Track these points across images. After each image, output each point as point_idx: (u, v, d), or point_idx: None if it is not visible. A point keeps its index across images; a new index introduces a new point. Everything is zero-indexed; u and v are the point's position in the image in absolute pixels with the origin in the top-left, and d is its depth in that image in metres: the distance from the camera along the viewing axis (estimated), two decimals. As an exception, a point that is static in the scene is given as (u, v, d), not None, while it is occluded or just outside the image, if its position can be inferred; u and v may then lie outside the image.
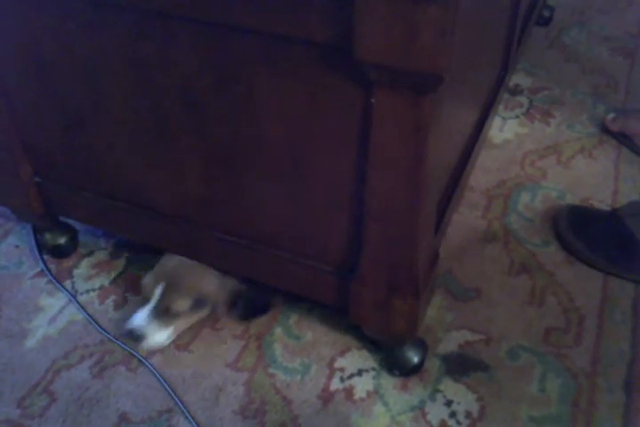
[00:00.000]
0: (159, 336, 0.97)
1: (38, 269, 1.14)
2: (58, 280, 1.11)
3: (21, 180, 1.01)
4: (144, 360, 0.98)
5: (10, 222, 1.23)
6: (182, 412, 0.92)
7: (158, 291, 0.96)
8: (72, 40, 0.79)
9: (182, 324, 0.99)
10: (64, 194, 1.02)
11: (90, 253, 1.17)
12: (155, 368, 0.97)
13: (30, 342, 1.02)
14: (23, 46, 0.84)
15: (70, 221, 1.14)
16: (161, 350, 1.00)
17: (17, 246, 1.18)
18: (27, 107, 0.92)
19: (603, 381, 0.97)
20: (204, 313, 1.00)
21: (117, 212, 0.98)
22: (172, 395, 0.94)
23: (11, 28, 0.83)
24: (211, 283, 0.99)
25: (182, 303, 0.96)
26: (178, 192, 0.91)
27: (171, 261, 1.00)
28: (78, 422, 0.92)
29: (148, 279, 0.99)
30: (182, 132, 0.82)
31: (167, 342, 0.99)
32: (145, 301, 0.98)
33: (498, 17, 1.14)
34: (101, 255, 1.16)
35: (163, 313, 0.96)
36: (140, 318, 0.96)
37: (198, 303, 0.98)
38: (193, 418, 0.92)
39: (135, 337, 0.96)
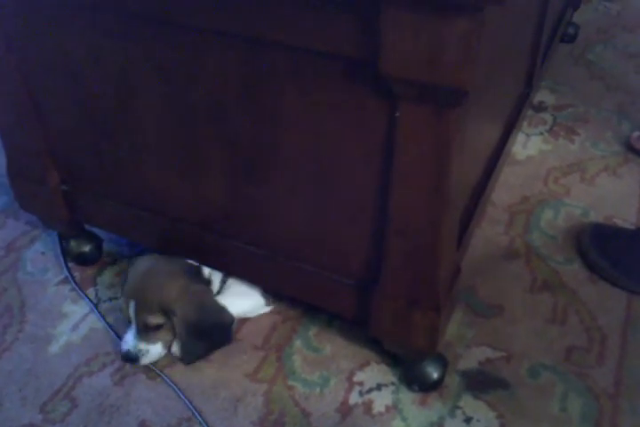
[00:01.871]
0: (153, 352, 0.98)
1: (63, 277, 1.15)
2: (81, 288, 1.12)
3: (49, 187, 1.03)
4: (160, 373, 0.98)
5: (36, 230, 1.25)
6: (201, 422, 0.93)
7: (131, 311, 0.97)
8: (101, 51, 0.81)
9: (168, 334, 0.98)
10: (89, 202, 1.04)
11: (113, 262, 1.18)
12: (171, 379, 0.98)
13: (54, 348, 1.04)
14: (54, 58, 0.86)
15: (95, 230, 1.16)
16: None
17: (43, 253, 1.20)
18: (56, 116, 0.94)
19: (626, 402, 0.95)
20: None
21: (141, 221, 1.00)
22: (189, 405, 0.94)
23: (41, 39, 0.85)
24: (172, 289, 0.96)
25: (154, 318, 0.96)
26: (202, 203, 0.92)
27: (133, 277, 0.99)
28: (98, 429, 0.93)
29: (121, 301, 1.00)
30: (208, 143, 0.84)
31: (164, 353, 0.99)
32: (129, 322, 0.99)
33: (523, 33, 1.15)
34: (124, 264, 1.17)
35: (145, 330, 0.97)
36: (130, 339, 0.98)
37: (169, 311, 0.96)
38: (211, 428, 0.92)
39: (132, 359, 0.97)
